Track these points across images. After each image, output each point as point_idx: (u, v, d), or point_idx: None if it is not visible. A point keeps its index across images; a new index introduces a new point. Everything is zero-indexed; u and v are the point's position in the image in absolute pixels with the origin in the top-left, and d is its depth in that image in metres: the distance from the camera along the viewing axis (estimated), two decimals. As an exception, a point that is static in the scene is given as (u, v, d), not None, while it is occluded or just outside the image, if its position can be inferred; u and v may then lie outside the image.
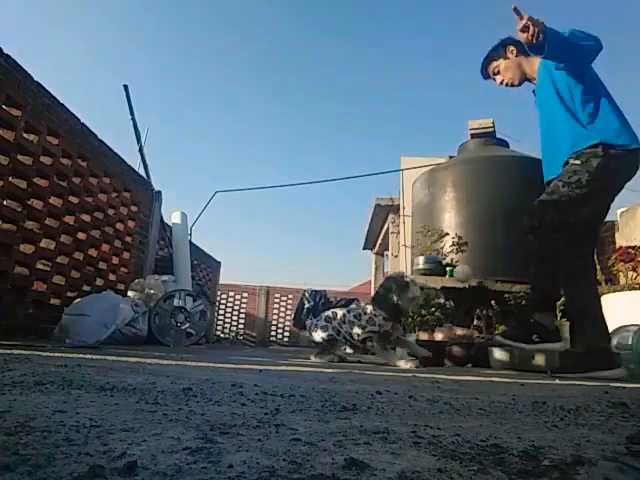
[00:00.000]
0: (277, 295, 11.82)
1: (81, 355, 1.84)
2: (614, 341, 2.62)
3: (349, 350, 3.49)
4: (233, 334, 11.43)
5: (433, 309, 4.09)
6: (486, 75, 2.90)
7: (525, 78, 2.81)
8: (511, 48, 2.78)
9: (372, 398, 1.03)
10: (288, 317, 11.29)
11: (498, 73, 2.82)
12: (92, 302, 3.30)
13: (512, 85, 2.82)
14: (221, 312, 11.48)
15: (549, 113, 2.67)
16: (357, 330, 3.01)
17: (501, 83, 2.83)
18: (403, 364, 2.74)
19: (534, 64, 2.73)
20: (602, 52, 2.41)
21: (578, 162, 2.42)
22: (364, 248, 12.94)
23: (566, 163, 2.49)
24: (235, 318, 11.63)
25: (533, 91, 2.84)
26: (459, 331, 3.84)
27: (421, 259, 4.57)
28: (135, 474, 0.39)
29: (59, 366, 1.29)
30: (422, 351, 2.92)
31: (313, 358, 3.16)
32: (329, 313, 3.26)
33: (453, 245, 4.69)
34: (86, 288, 3.87)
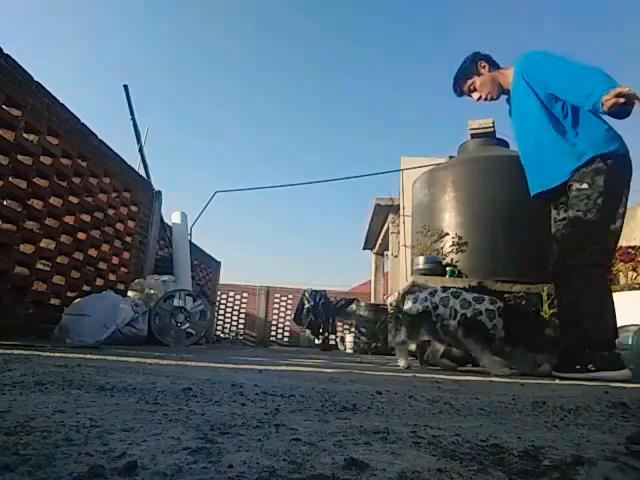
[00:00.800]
0: (277, 295, 11.83)
1: (81, 355, 1.84)
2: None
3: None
4: (233, 334, 11.44)
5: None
6: (460, 93, 2.90)
7: (502, 91, 2.82)
8: (483, 63, 2.79)
9: (372, 398, 1.03)
10: (288, 317, 11.31)
11: (474, 90, 2.83)
12: (92, 302, 3.30)
13: (491, 99, 2.84)
14: (221, 312, 11.48)
15: (528, 125, 2.67)
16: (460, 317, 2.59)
17: (479, 99, 2.84)
18: (502, 371, 2.41)
19: (508, 76, 2.76)
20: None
21: (585, 186, 2.41)
22: (364, 248, 12.95)
23: (569, 186, 2.48)
24: (235, 318, 11.64)
25: (507, 100, 2.86)
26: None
27: (421, 259, 4.57)
28: (135, 474, 0.39)
29: (59, 366, 1.29)
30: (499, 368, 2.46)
31: (401, 362, 2.79)
32: (431, 292, 2.84)
33: (453, 245, 4.68)
34: (86, 288, 3.87)
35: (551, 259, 2.72)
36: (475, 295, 2.67)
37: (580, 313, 2.39)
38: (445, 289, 2.80)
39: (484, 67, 2.78)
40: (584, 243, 2.41)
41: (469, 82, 2.82)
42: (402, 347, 2.87)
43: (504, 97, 2.88)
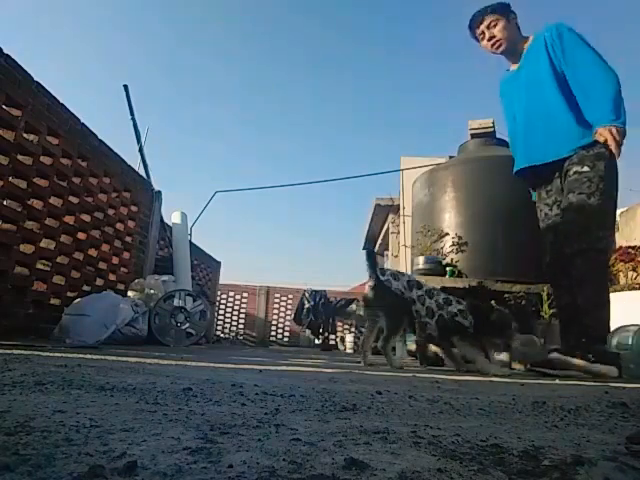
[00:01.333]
0: (277, 295, 11.83)
1: (81, 355, 1.84)
2: (614, 341, 2.63)
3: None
4: (233, 334, 11.43)
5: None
6: (478, 24, 2.72)
7: (509, 51, 2.73)
8: (513, 16, 2.70)
9: (372, 398, 1.03)
10: (288, 317, 11.30)
11: (494, 27, 2.68)
12: (92, 302, 3.30)
13: (497, 48, 2.71)
14: (221, 312, 11.48)
15: (540, 94, 2.58)
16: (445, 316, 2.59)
17: (491, 39, 2.69)
18: (502, 371, 2.37)
19: (524, 44, 2.70)
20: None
21: (587, 169, 2.35)
22: (364, 248, 12.95)
23: (566, 171, 2.45)
24: (235, 318, 11.64)
25: (508, 70, 2.82)
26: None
27: (421, 259, 4.57)
28: (135, 474, 0.39)
29: (59, 366, 1.29)
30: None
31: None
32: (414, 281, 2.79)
33: (453, 245, 4.68)
34: (86, 288, 3.87)
35: (546, 257, 2.65)
36: (443, 297, 2.67)
37: (581, 306, 2.31)
38: (420, 286, 2.73)
39: (514, 19, 2.70)
40: (590, 227, 2.31)
41: (495, 19, 2.68)
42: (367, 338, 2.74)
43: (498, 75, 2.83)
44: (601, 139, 2.28)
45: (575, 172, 2.39)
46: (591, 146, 2.37)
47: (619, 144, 2.26)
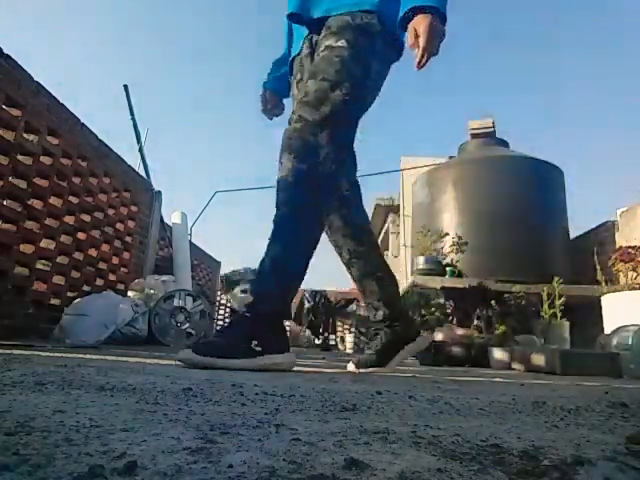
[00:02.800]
0: (277, 295, 11.81)
1: (81, 355, 1.84)
2: (614, 341, 2.62)
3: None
4: (233, 334, 11.42)
5: (433, 309, 4.10)
6: None
7: None
8: None
9: (372, 398, 1.03)
10: (288, 317, 11.29)
11: None
12: (92, 302, 3.30)
13: None
14: (221, 312, 11.48)
15: None
16: None
17: None
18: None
19: None
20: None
21: (343, 44, 1.57)
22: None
23: (320, 40, 1.64)
24: (235, 318, 11.63)
25: None
26: (459, 331, 3.85)
27: (421, 259, 4.58)
28: (135, 474, 0.39)
29: (59, 366, 1.29)
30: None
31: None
32: None
33: (453, 245, 4.69)
34: (86, 288, 3.87)
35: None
36: None
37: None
38: None
39: None
40: (321, 135, 1.53)
41: None
42: None
43: None
44: (411, 36, 1.50)
45: (327, 47, 1.58)
46: (364, 13, 1.59)
47: (432, 53, 1.49)
